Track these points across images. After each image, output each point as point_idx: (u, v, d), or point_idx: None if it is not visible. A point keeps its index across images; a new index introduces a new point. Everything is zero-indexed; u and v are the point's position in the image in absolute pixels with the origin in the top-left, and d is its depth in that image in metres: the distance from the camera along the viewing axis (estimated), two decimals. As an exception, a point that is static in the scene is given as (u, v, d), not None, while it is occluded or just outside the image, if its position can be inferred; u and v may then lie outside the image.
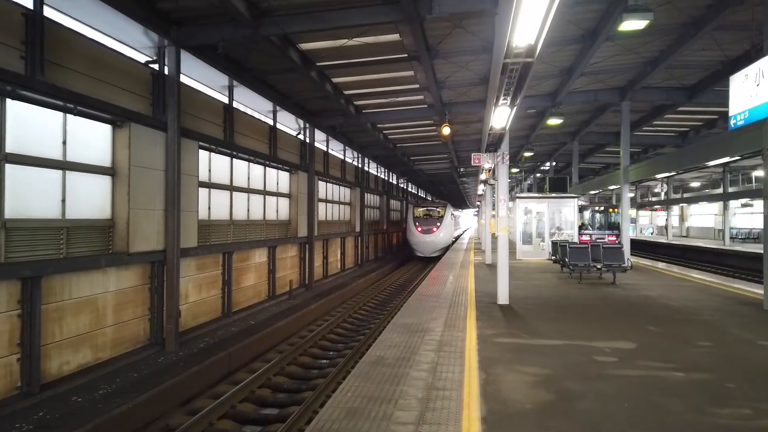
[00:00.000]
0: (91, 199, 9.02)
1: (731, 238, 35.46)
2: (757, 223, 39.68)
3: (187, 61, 11.14)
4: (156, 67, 10.55)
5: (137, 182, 9.71)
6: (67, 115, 8.36)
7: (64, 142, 8.32)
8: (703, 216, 48.97)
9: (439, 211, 33.49)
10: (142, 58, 10.47)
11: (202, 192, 12.40)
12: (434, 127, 21.43)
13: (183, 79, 11.37)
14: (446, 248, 32.54)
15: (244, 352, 10.54)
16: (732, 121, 6.23)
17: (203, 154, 12.45)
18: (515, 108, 7.51)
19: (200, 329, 11.80)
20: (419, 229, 32.19)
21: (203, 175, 12.42)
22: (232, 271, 13.47)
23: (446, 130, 15.84)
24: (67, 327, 8.26)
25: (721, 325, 8.34)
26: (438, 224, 32.19)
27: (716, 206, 43.36)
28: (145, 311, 10.17)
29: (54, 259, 8.10)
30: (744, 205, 38.14)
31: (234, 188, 14.00)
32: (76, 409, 7.20)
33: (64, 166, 8.31)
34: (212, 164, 12.95)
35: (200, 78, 12.79)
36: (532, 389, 5.15)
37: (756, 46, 9.67)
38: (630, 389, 5.16)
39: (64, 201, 8.32)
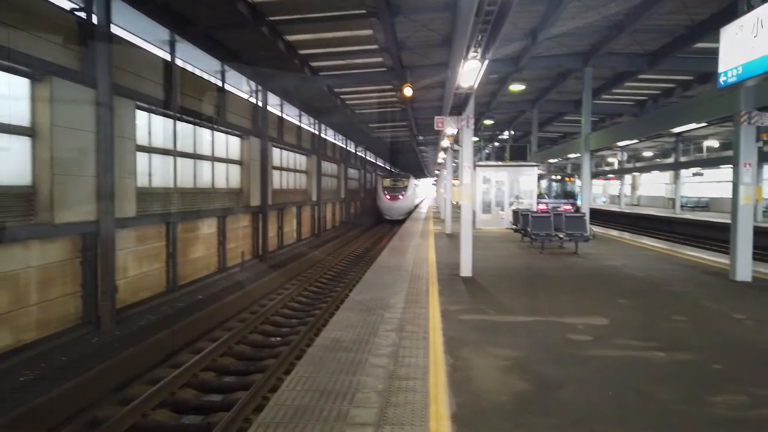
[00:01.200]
0: (5, 162, 7.94)
1: (681, 206, 36.38)
2: (707, 192, 40.92)
3: (124, 12, 9.98)
4: (84, 15, 9.34)
5: (62, 144, 8.62)
6: (-30, 64, 7.23)
7: (-32, 97, 7.21)
8: (653, 185, 50.24)
9: (403, 182, 38.85)
10: (67, 5, 9.24)
11: (141, 157, 11.32)
12: (393, 93, 20.58)
13: (120, 32, 10.20)
14: (409, 212, 37.64)
15: (190, 330, 9.71)
16: (722, 79, 5.68)
17: (142, 115, 11.34)
18: (486, 63, 6.83)
19: (142, 305, 10.91)
20: (387, 197, 37.98)
21: (142, 139, 11.33)
22: (177, 242, 12.51)
23: (408, 91, 15.11)
24: (-20, 308, 7.30)
25: (692, 297, 8.06)
26: (403, 193, 38.00)
27: (666, 175, 44.42)
28: (77, 287, 9.22)
29: (-40, 231, 7.08)
30: (695, 174, 39.07)
31: (178, 153, 12.89)
32: (-10, 401, 6.34)
33: (-31, 124, 7.22)
34: (152, 127, 11.83)
35: (140, 32, 11.55)
36: (505, 376, 4.60)
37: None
38: (612, 374, 4.66)
39: (-30, 165, 7.25)
